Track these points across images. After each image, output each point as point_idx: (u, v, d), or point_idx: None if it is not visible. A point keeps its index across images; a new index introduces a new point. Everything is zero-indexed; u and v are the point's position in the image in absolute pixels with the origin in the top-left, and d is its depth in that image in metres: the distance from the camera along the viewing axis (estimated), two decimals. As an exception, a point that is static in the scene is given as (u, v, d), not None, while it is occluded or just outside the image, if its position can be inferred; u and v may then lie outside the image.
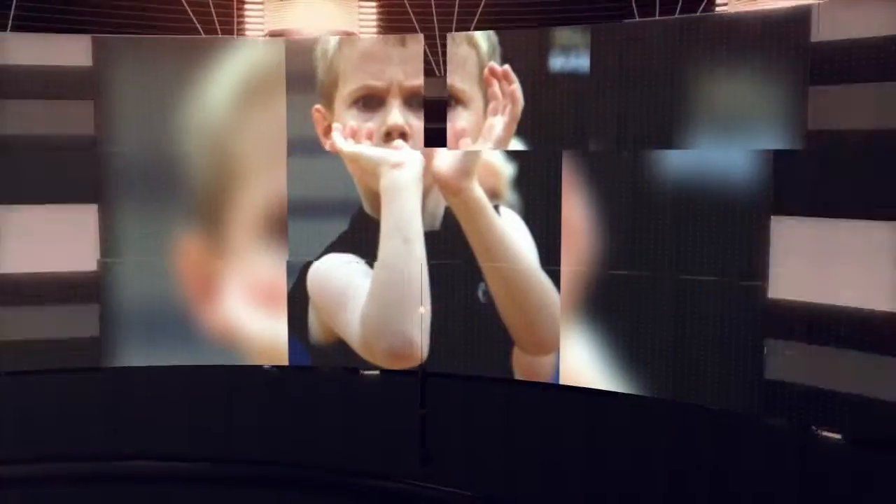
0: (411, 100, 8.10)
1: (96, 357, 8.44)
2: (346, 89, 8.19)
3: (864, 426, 6.67)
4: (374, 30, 9.01)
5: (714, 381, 7.28)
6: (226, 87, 8.30)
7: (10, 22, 8.38)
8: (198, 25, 8.79)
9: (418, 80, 8.08)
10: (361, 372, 8.57)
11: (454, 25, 8.65)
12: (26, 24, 8.44)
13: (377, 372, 8.50)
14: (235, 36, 8.81)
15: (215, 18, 8.84)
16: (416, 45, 8.15)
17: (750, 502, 7.44)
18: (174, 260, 8.44)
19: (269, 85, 8.31)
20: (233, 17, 8.94)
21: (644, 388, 7.62)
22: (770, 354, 7.01)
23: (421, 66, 8.11)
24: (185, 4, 8.74)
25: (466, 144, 7.92)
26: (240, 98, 8.32)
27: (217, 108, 8.31)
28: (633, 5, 8.18)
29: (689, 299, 7.35)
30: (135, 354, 8.49)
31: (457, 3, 8.71)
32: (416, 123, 8.10)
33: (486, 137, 7.86)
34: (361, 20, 8.95)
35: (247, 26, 9.07)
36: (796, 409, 6.95)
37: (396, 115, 8.08)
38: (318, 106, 8.25)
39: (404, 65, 8.10)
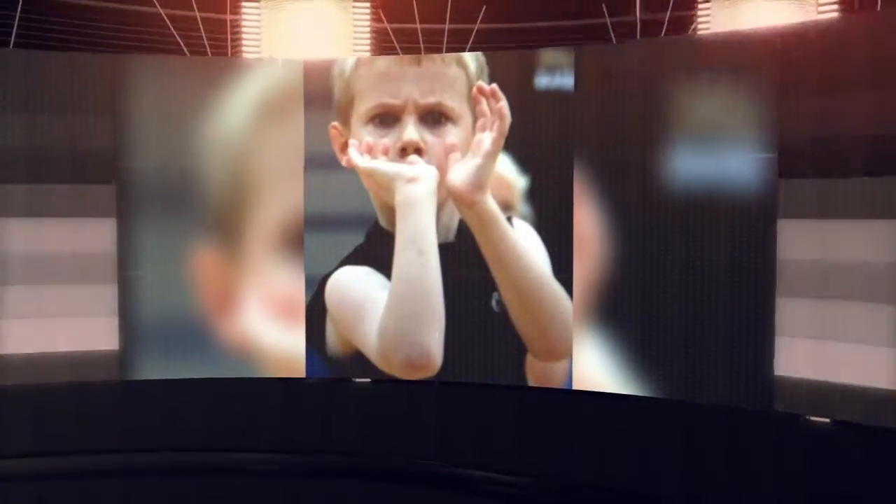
0: (426, 116, 8.37)
1: (116, 370, 8.48)
2: (363, 107, 8.42)
3: (874, 416, 7.02)
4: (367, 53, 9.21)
5: (726, 380, 7.62)
6: (245, 105, 8.51)
7: (12, 38, 8.46)
8: (181, 44, 8.88)
9: (433, 98, 8.38)
10: (352, 380, 8.73)
11: (444, 47, 8.97)
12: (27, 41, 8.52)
13: (368, 380, 8.65)
14: (230, 56, 8.99)
15: (204, 35, 8.95)
16: (431, 63, 8.49)
17: (764, 500, 7.71)
18: (193, 273, 8.53)
19: (287, 103, 8.55)
20: (226, 39, 9.08)
21: (656, 390, 7.94)
22: (780, 352, 7.40)
23: (436, 84, 8.39)
24: (170, 24, 8.86)
25: (456, 159, 8.21)
26: (259, 116, 8.55)
27: (237, 126, 8.50)
28: (611, 32, 8.64)
29: (699, 300, 7.72)
30: (153, 367, 8.53)
31: (446, 30, 9.08)
32: (431, 139, 8.35)
33: (475, 152, 8.13)
34: (356, 44, 9.17)
35: (243, 48, 9.15)
36: (807, 404, 7.30)
37: (412, 131, 8.31)
38: (334, 123, 8.47)
39: (419, 83, 8.41)
